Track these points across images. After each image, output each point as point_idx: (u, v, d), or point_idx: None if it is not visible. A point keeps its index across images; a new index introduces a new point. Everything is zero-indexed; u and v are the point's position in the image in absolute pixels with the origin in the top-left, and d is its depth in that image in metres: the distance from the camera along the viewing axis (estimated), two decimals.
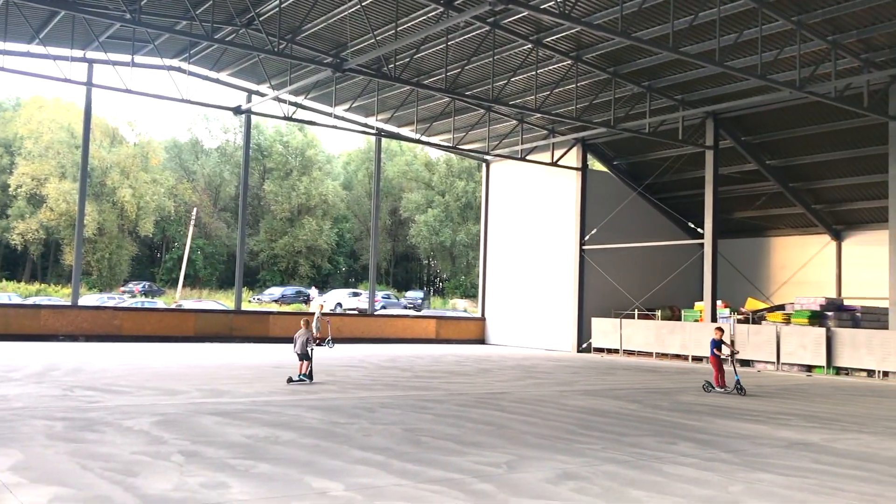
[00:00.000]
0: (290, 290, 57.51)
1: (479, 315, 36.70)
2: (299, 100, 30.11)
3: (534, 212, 34.37)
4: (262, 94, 30.35)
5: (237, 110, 27.64)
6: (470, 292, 69.45)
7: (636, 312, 31.15)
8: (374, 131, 31.50)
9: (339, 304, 49.58)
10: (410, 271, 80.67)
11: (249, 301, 54.60)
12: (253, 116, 39.14)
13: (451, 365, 22.04)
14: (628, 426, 11.26)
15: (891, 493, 7.33)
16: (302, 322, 16.14)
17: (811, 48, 21.22)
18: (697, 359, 27.12)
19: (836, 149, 27.55)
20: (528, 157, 32.30)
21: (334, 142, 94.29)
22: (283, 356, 23.06)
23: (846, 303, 27.69)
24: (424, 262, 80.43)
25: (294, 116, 28.58)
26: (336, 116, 30.35)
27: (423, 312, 47.97)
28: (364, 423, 10.65)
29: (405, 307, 53.33)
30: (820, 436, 10.83)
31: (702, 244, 28.53)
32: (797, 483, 7.63)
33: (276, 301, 54.28)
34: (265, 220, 68.81)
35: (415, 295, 62.02)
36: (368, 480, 7.23)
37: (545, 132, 31.89)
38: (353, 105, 30.77)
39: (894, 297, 22.67)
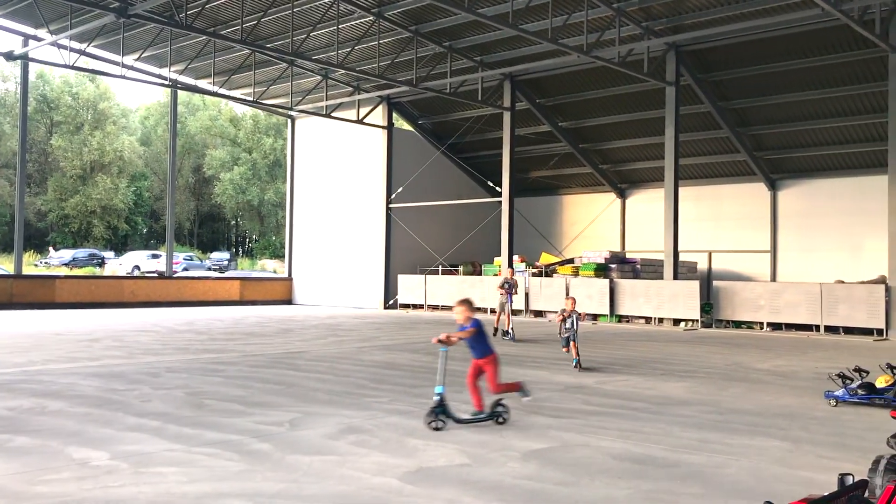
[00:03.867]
0: (82, 253, 53.60)
1: (286, 275, 36.16)
2: (83, 47, 27.66)
3: (341, 170, 34.04)
4: (40, 39, 27.59)
5: (9, 56, 24.98)
6: (280, 253, 68.07)
7: (440, 269, 31.87)
8: (167, 83, 29.66)
9: (137, 267, 46.86)
10: (217, 232, 77.65)
11: (35, 265, 50.33)
12: (36, 65, 35.56)
13: (251, 326, 21.58)
14: (418, 378, 11.43)
15: (647, 427, 7.93)
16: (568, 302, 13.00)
17: (598, 14, 22.28)
18: (492, 311, 28.27)
19: (620, 112, 29.33)
20: (333, 114, 31.81)
21: (131, 94, 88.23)
22: (69, 322, 21.45)
23: (628, 256, 29.85)
24: (231, 223, 77.73)
25: (77, 65, 26.24)
26: (125, 66, 28.20)
27: (227, 274, 46.40)
28: (145, 389, 10.08)
29: (209, 269, 51.32)
30: (594, 379, 11.55)
31: (500, 202, 29.55)
32: (565, 424, 8.07)
33: (66, 265, 50.37)
34: (54, 178, 63.29)
35: (220, 256, 59.94)
36: (138, 447, 6.82)
37: (350, 89, 31.50)
38: (145, 55, 28.75)
39: (668, 250, 24.63)
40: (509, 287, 18.42)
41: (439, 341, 7.59)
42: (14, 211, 63.00)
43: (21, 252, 28.65)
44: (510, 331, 17.98)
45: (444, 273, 31.91)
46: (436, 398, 7.63)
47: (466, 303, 7.81)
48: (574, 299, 12.99)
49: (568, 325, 12.51)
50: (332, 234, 34.28)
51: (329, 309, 31.42)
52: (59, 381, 10.67)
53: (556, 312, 26.37)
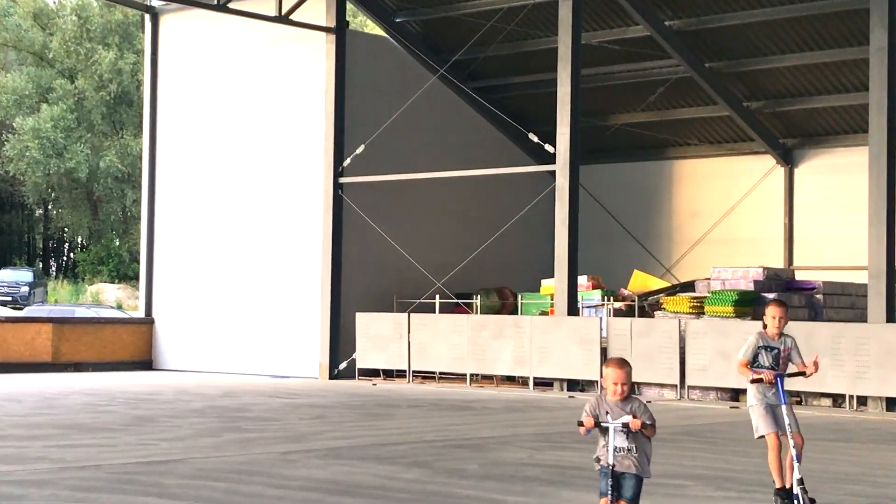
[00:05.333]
0: None
1: (141, 316, 36.07)
2: None
3: (245, 114, 34.14)
4: None
5: None
6: (129, 272, 68.24)
7: (437, 301, 31.83)
8: None
9: None
10: (11, 232, 77.98)
11: None
12: None
13: (76, 412, 21.51)
14: None
15: None
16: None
17: None
18: (545, 383, 28.17)
19: (780, 1, 29.33)
20: (232, 5, 31.80)
21: None
22: None
23: (800, 277, 29.71)
24: (36, 213, 77.93)
25: None
26: None
27: (29, 312, 46.43)
28: None
29: None
30: None
31: (552, 173, 29.48)
32: None
33: None
34: None
35: (14, 277, 60.12)
36: None
37: None
38: None
39: (878, 266, 24.60)
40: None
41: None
42: None
43: None
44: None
45: (443, 309, 31.92)
46: None
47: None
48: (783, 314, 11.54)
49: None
50: (228, 239, 34.25)
51: (225, 379, 31.32)
52: None
53: (656, 389, 26.34)
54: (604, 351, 27.05)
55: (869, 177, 24.97)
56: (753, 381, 11.16)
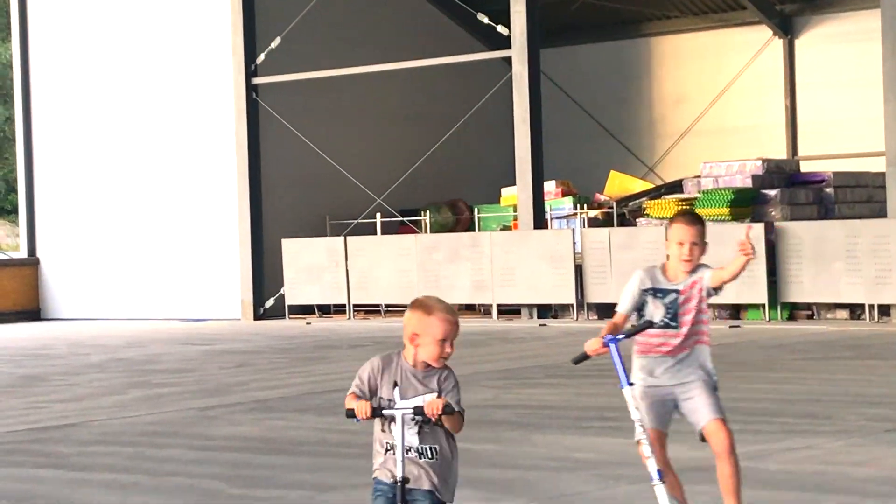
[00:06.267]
0: None
1: (23, 256, 36.20)
2: None
3: (136, 7, 33.99)
4: None
5: None
6: (3, 204, 67.76)
7: (379, 220, 31.81)
8: None
9: None
10: None
11: None
12: None
13: None
14: (339, 469, 11.62)
15: None
16: None
17: None
18: (511, 310, 28.35)
19: None
20: None
21: None
22: None
23: (805, 169, 29.84)
24: None
25: None
26: None
27: None
28: None
29: None
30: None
31: (508, 60, 29.44)
32: None
33: None
34: None
35: None
36: None
37: None
38: None
39: (894, 148, 24.74)
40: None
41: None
42: None
43: None
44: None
45: (387, 230, 31.97)
46: None
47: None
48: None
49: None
50: (124, 161, 34.11)
51: (128, 326, 31.33)
52: None
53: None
54: (578, 269, 27.15)
55: (882, 46, 24.96)
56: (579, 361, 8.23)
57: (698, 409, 8.06)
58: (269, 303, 31.67)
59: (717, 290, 8.13)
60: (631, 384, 7.85)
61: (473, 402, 15.54)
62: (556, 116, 32.72)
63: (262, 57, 31.91)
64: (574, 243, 27.38)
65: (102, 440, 13.79)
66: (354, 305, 30.43)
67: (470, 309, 29.44)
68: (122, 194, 34.04)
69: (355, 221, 32.07)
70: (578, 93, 34.98)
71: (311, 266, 30.90)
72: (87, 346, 26.05)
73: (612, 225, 28.86)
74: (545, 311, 27.82)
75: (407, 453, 6.18)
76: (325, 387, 17.89)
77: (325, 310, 31.30)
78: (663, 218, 27.66)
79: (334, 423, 14.30)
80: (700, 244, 8.15)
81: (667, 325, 8.10)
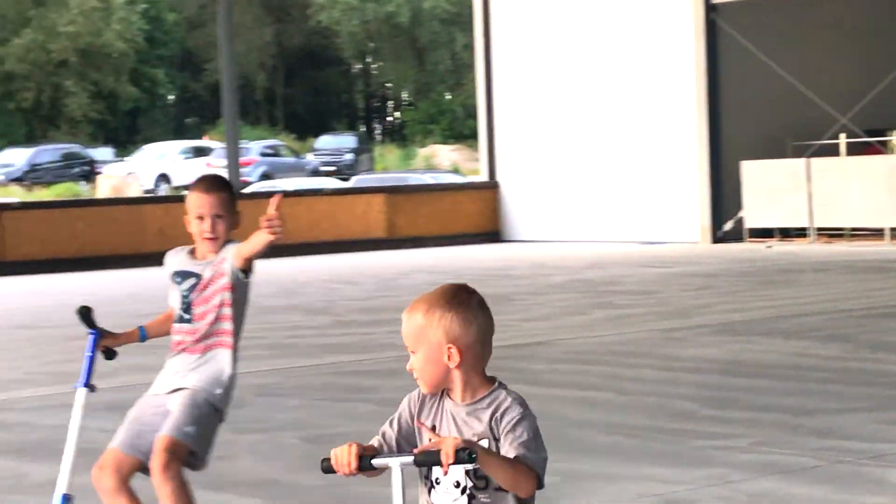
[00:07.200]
0: (48, 154, 57.63)
1: (484, 179, 36.91)
2: None
3: None
4: None
5: None
6: (463, 129, 69.39)
7: (843, 141, 31.20)
8: None
9: (164, 179, 49.69)
10: (325, 91, 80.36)
11: None
12: None
13: (418, 293, 21.58)
14: (813, 394, 11.55)
15: None
16: None
17: None
18: None
19: None
20: None
21: None
22: (38, 297, 23.20)
23: None
24: (356, 71, 79.87)
25: None
26: None
27: (358, 181, 47.93)
28: (220, 433, 10.63)
29: (315, 172, 53.39)
30: None
31: None
32: None
33: (18, 180, 54.24)
34: None
35: (337, 143, 62.00)
36: None
37: None
38: None
39: None
40: None
41: None
42: None
43: None
44: None
45: (852, 151, 31.40)
46: None
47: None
48: None
49: None
50: (582, 84, 34.51)
51: (587, 248, 31.77)
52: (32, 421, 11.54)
53: None
54: None
55: None
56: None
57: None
58: (728, 226, 31.64)
59: (245, 271, 6.66)
60: (88, 386, 6.48)
61: None
62: None
63: None
64: None
65: (571, 359, 14.16)
66: (817, 229, 29.94)
67: None
68: (580, 119, 34.41)
69: (818, 143, 31.53)
70: None
71: (771, 189, 30.58)
72: (549, 267, 26.69)
73: None
74: None
75: None
76: (792, 311, 17.87)
77: (785, 233, 30.97)
78: None
79: (805, 346, 14.29)
80: (227, 216, 6.73)
81: (181, 319, 6.69)
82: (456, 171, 57.00)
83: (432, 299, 4.15)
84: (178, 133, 70.50)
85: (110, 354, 6.63)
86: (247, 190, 40.76)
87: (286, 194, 36.69)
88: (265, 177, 50.55)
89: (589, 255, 29.62)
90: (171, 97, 79.44)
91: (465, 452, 3.57)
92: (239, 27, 69.20)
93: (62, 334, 17.42)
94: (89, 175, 54.74)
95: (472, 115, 56.14)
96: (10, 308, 22.51)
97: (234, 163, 34.47)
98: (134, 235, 31.30)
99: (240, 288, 6.63)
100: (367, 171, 57.32)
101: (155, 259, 30.71)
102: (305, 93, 78.42)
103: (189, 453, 6.51)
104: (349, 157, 59.17)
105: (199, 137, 64.91)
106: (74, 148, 60.17)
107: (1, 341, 18.19)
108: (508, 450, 3.84)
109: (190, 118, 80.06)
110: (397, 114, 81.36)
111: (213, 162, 48.68)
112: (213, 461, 9.70)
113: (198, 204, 6.62)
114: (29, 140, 65.47)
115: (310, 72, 78.09)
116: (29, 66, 66.26)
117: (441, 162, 63.49)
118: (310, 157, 59.16)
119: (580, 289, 22.03)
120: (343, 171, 54.52)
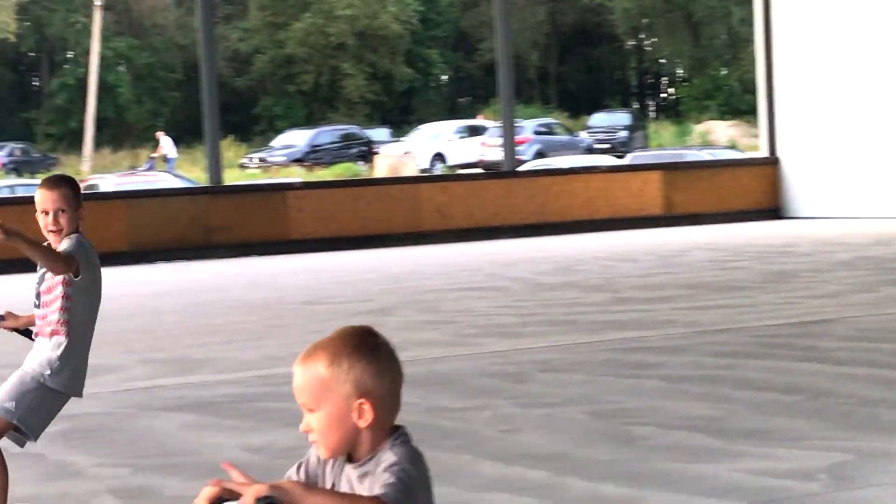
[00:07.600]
0: (328, 136, 58.75)
1: (763, 155, 36.63)
2: None
3: None
4: None
5: None
6: (740, 105, 68.75)
7: None
8: None
9: (439, 158, 50.21)
10: (602, 70, 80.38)
11: (243, 166, 56.07)
12: None
13: (698, 270, 22.25)
14: None
15: None
16: None
17: None
18: None
19: None
20: None
21: None
22: (321, 274, 23.95)
23: None
24: (629, 48, 79.70)
25: None
26: None
27: (633, 157, 47.92)
28: (497, 402, 11.10)
29: (589, 150, 53.48)
30: None
31: None
32: None
33: (298, 161, 55.44)
34: None
35: (611, 121, 61.97)
36: None
37: None
38: None
39: None
40: None
41: None
42: (187, 57, 68.74)
43: (216, 142, 31.90)
44: None
45: None
46: None
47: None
48: None
49: None
50: (867, 56, 33.74)
51: (873, 225, 31.01)
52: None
53: None
54: None
55: None
56: None
57: None
58: None
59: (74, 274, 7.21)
60: None
61: None
62: None
63: None
64: None
65: (861, 336, 13.99)
66: None
67: None
68: (864, 92, 33.75)
69: None
70: None
71: None
72: (833, 244, 26.26)
73: None
74: None
75: None
76: None
77: None
78: None
79: None
80: (69, 209, 7.25)
81: (35, 305, 7.30)
82: (733, 146, 56.43)
83: (335, 347, 3.64)
84: (452, 113, 71.13)
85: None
86: (521, 168, 40.95)
87: (561, 172, 37.46)
88: (539, 155, 50.69)
89: (874, 231, 28.96)
90: (444, 77, 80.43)
91: (265, 502, 3.23)
92: (512, 6, 69.86)
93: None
94: (367, 155, 55.89)
95: (750, 90, 55.77)
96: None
97: (509, 141, 34.84)
98: (411, 213, 31.83)
99: (73, 285, 7.15)
100: (642, 147, 57.20)
101: (433, 237, 31.54)
102: (578, 70, 78.57)
103: (14, 428, 7.11)
104: (623, 134, 59.04)
105: (473, 117, 65.58)
106: (353, 129, 61.48)
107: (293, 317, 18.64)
108: (373, 489, 3.45)
109: (463, 98, 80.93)
110: (671, 90, 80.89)
111: (488, 141, 49.27)
112: (501, 434, 10.14)
113: (42, 200, 7.22)
114: (308, 122, 66.95)
115: (583, 49, 78.22)
116: (308, 49, 68.18)
117: (717, 138, 62.99)
118: (584, 135, 59.19)
119: (866, 266, 21.68)
120: (617, 149, 54.48)
